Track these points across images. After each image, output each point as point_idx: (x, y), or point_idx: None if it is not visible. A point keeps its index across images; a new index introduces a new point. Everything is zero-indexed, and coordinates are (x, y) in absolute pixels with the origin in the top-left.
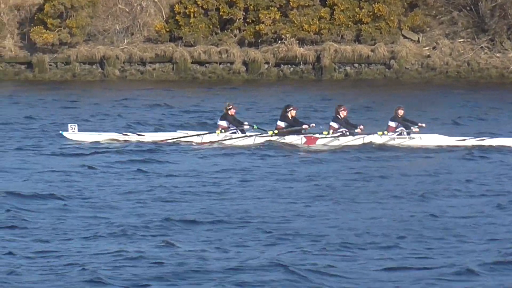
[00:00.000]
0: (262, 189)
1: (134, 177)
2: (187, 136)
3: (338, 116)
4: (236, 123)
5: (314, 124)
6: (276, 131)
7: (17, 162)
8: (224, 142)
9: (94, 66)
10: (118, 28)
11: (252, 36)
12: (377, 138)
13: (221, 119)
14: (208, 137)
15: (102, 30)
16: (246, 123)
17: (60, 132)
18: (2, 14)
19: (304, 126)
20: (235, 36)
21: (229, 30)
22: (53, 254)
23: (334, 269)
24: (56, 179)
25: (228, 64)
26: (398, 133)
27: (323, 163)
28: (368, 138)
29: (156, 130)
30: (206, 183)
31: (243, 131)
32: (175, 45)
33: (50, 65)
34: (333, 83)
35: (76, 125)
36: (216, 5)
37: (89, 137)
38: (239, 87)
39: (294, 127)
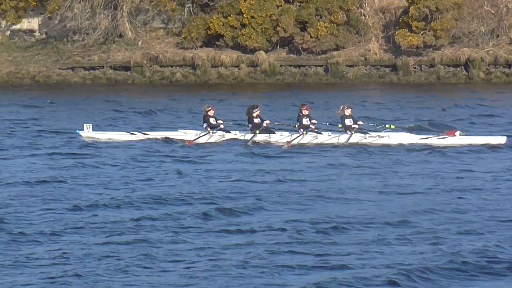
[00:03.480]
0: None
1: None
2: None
3: (301, 114)
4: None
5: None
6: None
7: None
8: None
9: (458, 69)
10: (483, 30)
11: None
12: (345, 136)
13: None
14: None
15: (467, 32)
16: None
17: (77, 131)
18: (367, 17)
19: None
20: None
21: None
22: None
23: None
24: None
25: None
26: (355, 128)
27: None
28: (340, 137)
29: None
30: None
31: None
32: None
33: (415, 67)
34: None
35: (91, 124)
36: None
37: (101, 136)
38: None
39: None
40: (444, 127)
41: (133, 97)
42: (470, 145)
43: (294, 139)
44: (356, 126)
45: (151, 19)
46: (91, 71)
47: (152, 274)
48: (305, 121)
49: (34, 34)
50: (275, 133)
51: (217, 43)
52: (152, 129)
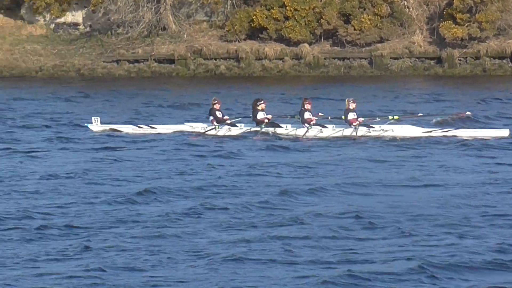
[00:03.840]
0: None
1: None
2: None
3: (303, 109)
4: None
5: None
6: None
7: None
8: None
9: (504, 61)
10: None
11: None
12: (349, 130)
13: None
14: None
15: None
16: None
17: (86, 124)
18: (411, 9)
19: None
20: None
21: None
22: None
23: None
24: None
25: None
26: (357, 123)
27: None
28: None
29: None
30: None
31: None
32: None
33: (460, 60)
34: None
35: (99, 118)
36: None
37: (109, 128)
38: None
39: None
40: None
41: (176, 90)
42: (473, 138)
43: (262, 133)
44: (359, 121)
45: (195, 12)
46: (136, 64)
47: (177, 266)
48: (307, 115)
49: (78, 27)
50: (280, 127)
51: (261, 35)
52: (195, 120)
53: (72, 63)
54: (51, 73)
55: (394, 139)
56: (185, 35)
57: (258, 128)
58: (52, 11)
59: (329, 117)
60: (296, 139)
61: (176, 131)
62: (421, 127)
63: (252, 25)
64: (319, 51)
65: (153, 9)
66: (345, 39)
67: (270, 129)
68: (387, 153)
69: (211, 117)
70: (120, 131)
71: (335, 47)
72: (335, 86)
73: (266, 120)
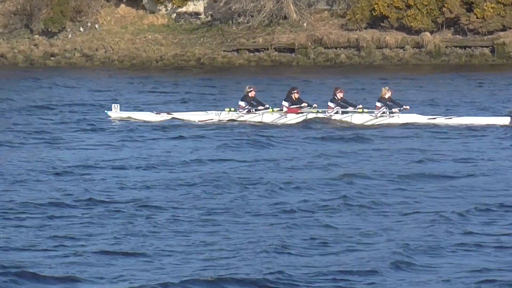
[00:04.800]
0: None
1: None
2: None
3: (335, 97)
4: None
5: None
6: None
7: None
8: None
9: None
10: None
11: None
12: (359, 117)
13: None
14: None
15: None
16: (267, 105)
17: (105, 111)
18: None
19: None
20: None
21: None
22: None
23: None
24: None
25: None
26: (381, 112)
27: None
28: (354, 117)
29: None
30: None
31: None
32: None
33: None
34: None
35: (118, 105)
36: None
37: (128, 115)
38: None
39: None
40: None
41: (295, 78)
42: (473, 125)
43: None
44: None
45: (316, 1)
46: (256, 53)
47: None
48: (331, 104)
49: (200, 16)
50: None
51: (382, 24)
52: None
53: (193, 53)
54: (172, 62)
55: (399, 125)
56: (306, 24)
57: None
58: (173, 1)
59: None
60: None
61: (190, 118)
62: (426, 115)
63: (373, 14)
64: (440, 40)
65: None
66: (467, 28)
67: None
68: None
69: (244, 103)
70: (138, 119)
71: (457, 36)
72: (456, 75)
73: (313, 106)
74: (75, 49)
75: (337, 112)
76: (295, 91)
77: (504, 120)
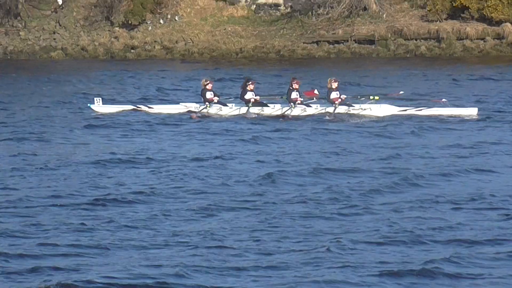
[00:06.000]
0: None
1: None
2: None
3: (291, 87)
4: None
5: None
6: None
7: None
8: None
9: None
10: None
11: None
12: (331, 108)
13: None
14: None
15: None
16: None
17: (88, 105)
18: None
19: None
20: None
21: None
22: None
23: None
24: None
25: None
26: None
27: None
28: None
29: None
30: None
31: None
32: None
33: None
34: None
35: (100, 98)
36: None
37: (110, 109)
38: None
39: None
40: None
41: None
42: (442, 115)
43: (199, 112)
44: (341, 99)
45: None
46: (335, 45)
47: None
48: (294, 94)
49: (279, 8)
50: (268, 106)
51: (462, 15)
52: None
53: (272, 44)
54: (251, 54)
55: (371, 118)
56: (385, 16)
57: (246, 108)
58: None
59: (317, 95)
60: (279, 117)
61: (172, 111)
62: (398, 106)
63: (453, 5)
64: None
65: None
66: None
67: (257, 109)
68: (362, 131)
69: (203, 98)
70: (121, 111)
71: None
72: None
73: (252, 100)
74: (155, 41)
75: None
76: (250, 82)
77: (471, 111)
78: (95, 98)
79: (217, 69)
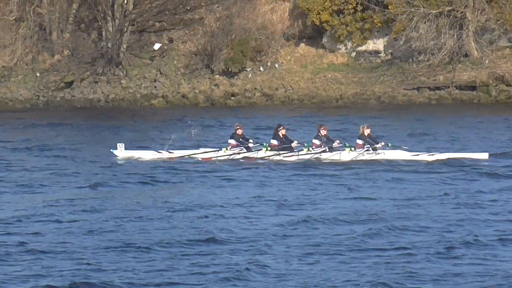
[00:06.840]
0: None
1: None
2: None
3: (319, 134)
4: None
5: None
6: (269, 148)
7: None
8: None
9: None
10: None
11: None
12: (346, 154)
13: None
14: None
15: None
16: (251, 140)
17: (111, 150)
18: None
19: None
20: None
21: None
22: None
23: None
24: None
25: None
26: (365, 149)
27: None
28: (341, 155)
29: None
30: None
31: (248, 148)
32: None
33: None
34: None
35: (123, 144)
36: None
37: (132, 154)
38: None
39: (285, 144)
40: None
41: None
42: (453, 159)
43: (211, 156)
44: (365, 148)
45: (497, 38)
46: (436, 91)
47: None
48: (317, 141)
49: (380, 55)
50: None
51: None
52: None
53: (373, 91)
54: (351, 101)
55: (385, 161)
56: (487, 61)
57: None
58: (353, 39)
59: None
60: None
61: (192, 155)
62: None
63: None
64: None
65: (455, 36)
66: None
67: (282, 153)
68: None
69: (233, 141)
70: (141, 157)
71: None
72: None
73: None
74: (255, 88)
75: (324, 151)
76: (281, 127)
77: (482, 156)
78: (117, 144)
79: (317, 116)
